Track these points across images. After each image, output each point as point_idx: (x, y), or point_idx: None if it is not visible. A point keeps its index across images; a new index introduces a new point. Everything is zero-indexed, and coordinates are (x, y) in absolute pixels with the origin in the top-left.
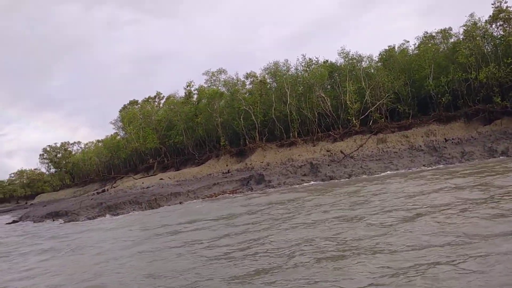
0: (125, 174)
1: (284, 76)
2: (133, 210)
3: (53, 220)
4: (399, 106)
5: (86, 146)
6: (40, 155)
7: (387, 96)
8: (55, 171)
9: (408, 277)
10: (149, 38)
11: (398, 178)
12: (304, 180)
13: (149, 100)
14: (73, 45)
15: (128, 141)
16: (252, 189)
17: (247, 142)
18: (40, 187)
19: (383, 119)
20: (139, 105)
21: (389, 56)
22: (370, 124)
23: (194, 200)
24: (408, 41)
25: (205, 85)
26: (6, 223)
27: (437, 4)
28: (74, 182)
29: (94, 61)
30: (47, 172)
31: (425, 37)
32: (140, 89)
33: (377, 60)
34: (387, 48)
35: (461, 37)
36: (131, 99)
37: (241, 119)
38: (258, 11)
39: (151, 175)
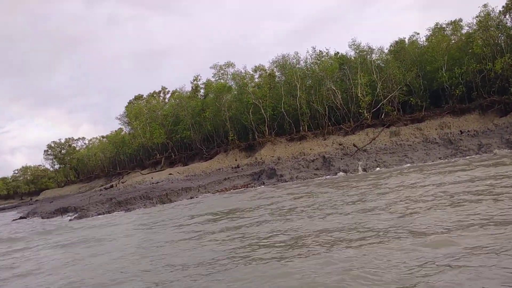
0: (132, 169)
1: (294, 69)
2: (144, 205)
3: (62, 216)
4: (411, 99)
5: (90, 142)
6: (44, 151)
7: (399, 89)
8: (60, 167)
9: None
10: (150, 33)
11: (420, 172)
12: (317, 174)
13: (154, 95)
14: (75, 41)
15: (134, 136)
16: (264, 183)
17: (256, 137)
18: (44, 183)
19: (395, 112)
20: (144, 100)
21: (399, 48)
22: (382, 117)
23: (205, 195)
24: (418, 33)
25: (213, 79)
26: (13, 220)
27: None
28: (79, 178)
29: (96, 57)
30: (51, 168)
31: (436, 28)
32: (142, 84)
33: (387, 52)
34: (397, 40)
35: (475, 27)
36: (135, 94)
37: (250, 113)
38: (260, 5)
39: (159, 170)
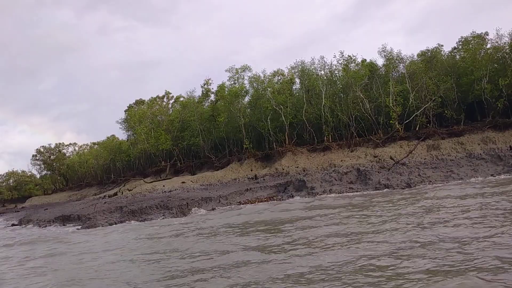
0: (132, 177)
1: (316, 76)
2: (163, 216)
3: (64, 225)
4: (445, 111)
5: (81, 149)
6: (32, 156)
7: (434, 100)
8: (47, 174)
9: None
10: (140, 45)
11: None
12: (353, 189)
13: (157, 100)
14: (63, 49)
15: (135, 142)
16: (292, 196)
17: (274, 146)
18: (28, 190)
19: (430, 125)
20: (146, 105)
21: (431, 57)
22: (417, 129)
23: (229, 206)
24: (442, 45)
25: (228, 83)
26: (5, 227)
27: (423, 23)
28: (68, 185)
29: (84, 66)
30: (38, 175)
31: (462, 41)
32: (129, 95)
33: (418, 60)
34: (426, 49)
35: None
36: (122, 104)
37: (268, 120)
38: (249, 22)
39: (165, 179)
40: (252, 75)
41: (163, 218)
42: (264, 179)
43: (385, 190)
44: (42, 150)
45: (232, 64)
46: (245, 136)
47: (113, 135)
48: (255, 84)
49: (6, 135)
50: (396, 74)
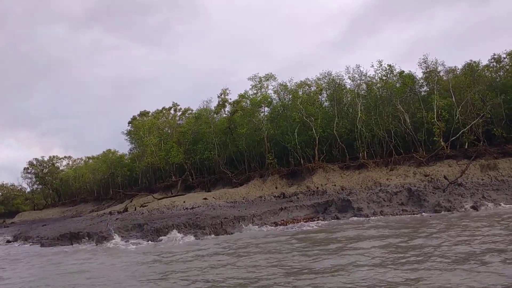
0: (138, 192)
1: (354, 84)
2: (195, 235)
3: (72, 244)
4: (494, 129)
5: (75, 163)
6: (24, 168)
7: (482, 116)
8: (39, 188)
9: None
10: (131, 63)
11: None
12: (406, 210)
13: (164, 111)
14: (55, 65)
15: (141, 154)
16: (337, 217)
17: (302, 162)
18: (16, 205)
19: (480, 143)
20: (150, 117)
21: (473, 71)
22: (466, 147)
23: (264, 227)
24: (475, 61)
25: (250, 92)
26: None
27: (411, 53)
28: (60, 201)
29: (74, 82)
30: (29, 188)
31: (495, 58)
32: (119, 112)
33: (461, 74)
34: (469, 61)
35: None
36: (111, 120)
37: (295, 134)
38: (241, 44)
39: (177, 195)
40: (278, 84)
41: (196, 239)
42: (298, 198)
43: (445, 212)
44: (34, 162)
45: (225, 84)
46: (267, 150)
47: (109, 149)
48: (282, 93)
49: None
50: (438, 87)
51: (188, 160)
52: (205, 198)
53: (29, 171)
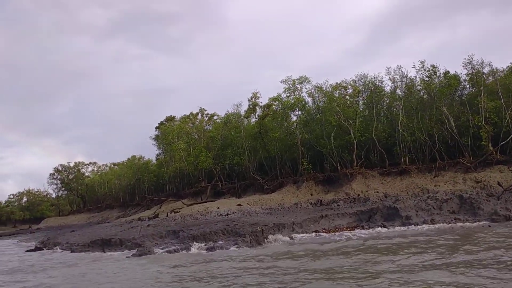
0: (166, 198)
1: (397, 85)
2: (235, 243)
3: (104, 251)
4: None
5: (100, 169)
6: (50, 174)
7: None
8: (64, 194)
9: None
10: (154, 73)
11: None
12: (459, 219)
13: (191, 117)
14: (80, 75)
15: (169, 160)
16: (384, 225)
17: (338, 167)
18: (41, 211)
19: None
20: (177, 122)
21: None
22: None
23: (307, 235)
24: None
25: (284, 95)
26: (28, 250)
27: (433, 61)
28: (86, 207)
29: (98, 92)
30: (54, 195)
31: None
32: (141, 122)
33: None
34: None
35: None
36: (133, 129)
37: (332, 138)
38: (262, 55)
39: (206, 201)
40: (312, 86)
41: (237, 247)
42: (338, 205)
43: (505, 222)
44: (60, 168)
45: (245, 92)
46: (302, 155)
47: (134, 155)
48: (317, 96)
49: (19, 156)
50: (484, 88)
51: (217, 166)
52: (239, 205)
53: (55, 177)
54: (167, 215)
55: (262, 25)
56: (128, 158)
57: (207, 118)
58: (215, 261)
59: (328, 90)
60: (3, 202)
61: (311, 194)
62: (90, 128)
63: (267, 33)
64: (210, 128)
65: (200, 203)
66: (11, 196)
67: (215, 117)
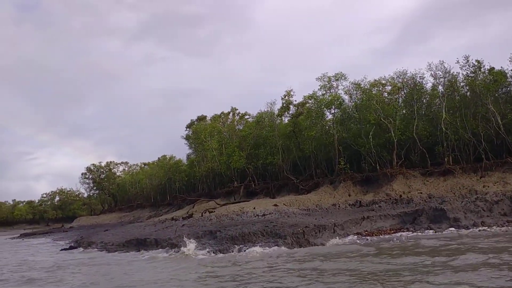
0: (198, 198)
1: (440, 81)
2: (276, 245)
3: (140, 251)
4: None
5: (131, 169)
6: (82, 174)
7: None
8: (96, 193)
9: None
10: (181, 74)
11: None
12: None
13: (222, 116)
14: (109, 77)
15: (201, 159)
16: (430, 228)
17: (378, 167)
18: (73, 210)
19: None
20: (208, 121)
21: None
22: None
23: (347, 238)
24: None
25: (319, 92)
26: (62, 249)
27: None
28: (117, 206)
29: (128, 93)
30: (86, 194)
31: None
32: (169, 122)
33: None
34: None
35: None
36: (162, 130)
37: (370, 137)
38: (289, 55)
39: (240, 201)
40: (350, 83)
41: (278, 248)
42: (380, 207)
43: None
44: (92, 168)
45: (271, 95)
46: (338, 154)
47: (165, 155)
48: (356, 93)
49: (51, 157)
50: None
51: (250, 165)
52: (275, 205)
53: (87, 176)
54: (202, 215)
55: (289, 25)
56: (159, 158)
57: (238, 117)
58: (256, 262)
59: (366, 87)
60: (37, 201)
61: (349, 195)
62: (119, 129)
63: (294, 34)
64: (241, 128)
65: (233, 203)
66: (44, 195)
67: (247, 116)
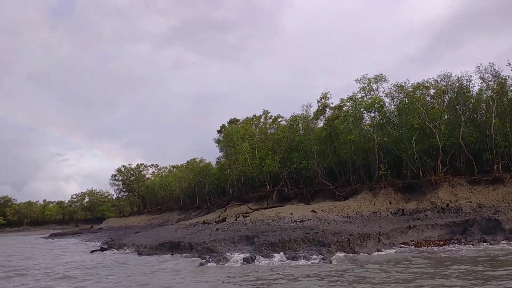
0: (229, 202)
1: (490, 84)
2: (319, 253)
3: (173, 254)
4: None
5: (160, 171)
6: (112, 175)
7: None
8: (125, 195)
9: None
10: (209, 79)
11: None
12: None
13: (254, 119)
14: (139, 81)
15: (233, 163)
16: (484, 240)
17: (421, 174)
18: (101, 211)
19: None
20: (240, 124)
21: None
22: None
23: (393, 250)
24: None
25: (359, 95)
26: (93, 250)
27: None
28: (146, 208)
29: (156, 97)
30: (115, 195)
31: None
32: (196, 126)
33: None
34: None
35: None
36: (188, 134)
37: (413, 142)
38: (317, 60)
39: (273, 206)
40: (391, 85)
41: (322, 258)
42: (426, 216)
43: None
44: (122, 169)
45: (298, 100)
46: (378, 160)
47: (194, 158)
48: (399, 95)
49: (81, 158)
50: None
51: (283, 169)
52: (313, 211)
53: (117, 177)
54: (236, 219)
55: (317, 30)
56: (188, 161)
57: (270, 120)
58: (298, 271)
59: (408, 89)
60: (66, 201)
61: (390, 203)
62: (148, 132)
63: (322, 39)
64: (273, 131)
65: (266, 208)
66: (74, 196)
67: (280, 119)
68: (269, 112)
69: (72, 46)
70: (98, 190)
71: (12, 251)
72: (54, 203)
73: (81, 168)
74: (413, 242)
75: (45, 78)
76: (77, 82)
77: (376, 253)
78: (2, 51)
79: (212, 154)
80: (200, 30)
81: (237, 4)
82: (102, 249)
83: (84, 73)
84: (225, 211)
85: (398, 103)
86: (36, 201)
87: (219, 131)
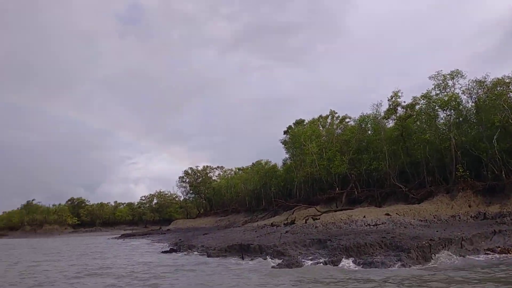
0: (296, 204)
1: None
2: (398, 259)
3: (243, 257)
4: None
5: (225, 173)
6: (179, 177)
7: None
8: (192, 197)
9: None
10: (274, 83)
11: None
12: None
13: (320, 120)
14: (205, 86)
15: (299, 164)
16: None
17: (503, 175)
18: (169, 213)
19: None
20: (306, 125)
21: None
22: None
23: (478, 258)
24: None
25: (433, 92)
26: (163, 251)
27: None
28: (212, 210)
29: (222, 101)
30: (182, 197)
31: None
32: (262, 130)
33: None
34: None
35: None
36: (254, 137)
37: (495, 141)
38: (382, 62)
39: (342, 209)
40: (469, 81)
41: (401, 264)
42: (509, 219)
43: None
44: (189, 171)
45: (365, 99)
46: (456, 161)
47: (259, 160)
48: (478, 92)
49: (149, 162)
50: None
51: (352, 171)
52: (387, 214)
53: (184, 180)
54: (306, 222)
55: (383, 30)
56: (253, 163)
57: (337, 121)
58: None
59: (488, 85)
60: (136, 203)
61: (469, 206)
62: (214, 135)
63: (387, 40)
64: (340, 132)
65: (335, 210)
66: (143, 198)
67: (347, 120)
68: (336, 113)
69: (141, 53)
70: (166, 192)
71: (95, 250)
72: (124, 205)
73: (149, 170)
74: (499, 248)
75: (117, 84)
76: (147, 88)
77: (458, 260)
78: (79, 59)
79: (277, 156)
80: (264, 34)
81: (301, 7)
82: (171, 251)
83: (153, 79)
84: (292, 213)
85: (476, 100)
86: (108, 203)
87: (285, 132)
